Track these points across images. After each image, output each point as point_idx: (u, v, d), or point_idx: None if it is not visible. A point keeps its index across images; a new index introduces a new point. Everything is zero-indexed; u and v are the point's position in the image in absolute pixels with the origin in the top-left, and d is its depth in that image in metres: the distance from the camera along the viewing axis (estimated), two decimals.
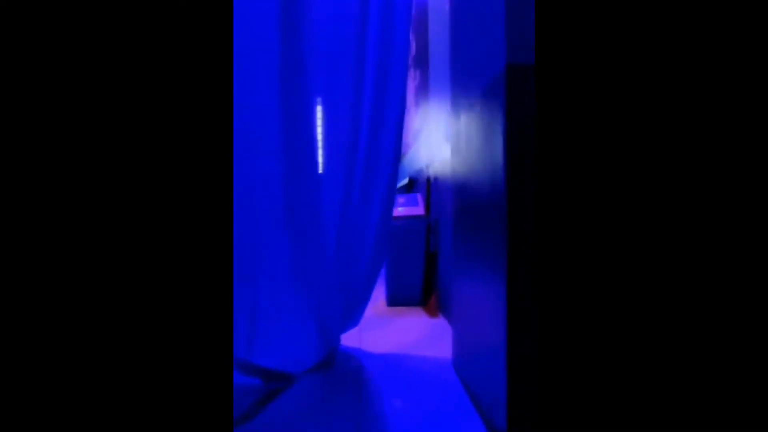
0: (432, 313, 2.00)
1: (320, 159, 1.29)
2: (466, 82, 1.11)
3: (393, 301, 2.14)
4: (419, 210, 2.10)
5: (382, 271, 2.70)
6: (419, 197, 2.20)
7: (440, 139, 2.04)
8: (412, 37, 2.92)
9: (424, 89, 2.68)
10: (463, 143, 1.15)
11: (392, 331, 1.73)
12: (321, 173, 1.26)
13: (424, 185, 2.41)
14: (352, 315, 1.42)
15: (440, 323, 1.85)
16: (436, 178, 2.12)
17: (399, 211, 2.13)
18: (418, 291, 2.14)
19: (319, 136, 1.30)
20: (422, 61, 2.69)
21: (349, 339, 1.58)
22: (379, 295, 2.43)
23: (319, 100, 1.29)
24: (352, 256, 1.35)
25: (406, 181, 3.06)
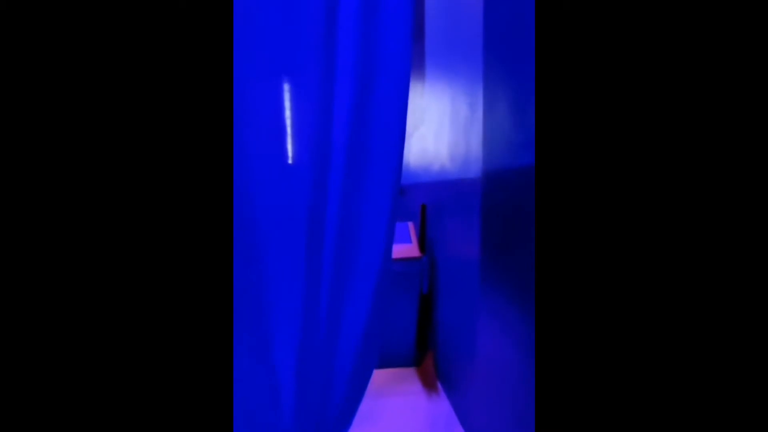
0: (428, 383, 1.55)
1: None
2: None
3: (380, 361, 1.67)
4: (413, 250, 1.59)
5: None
6: (411, 228, 1.67)
7: (443, 146, 1.49)
8: None
9: (418, 72, 2.08)
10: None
11: None
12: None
13: (415, 204, 1.88)
14: None
15: (443, 408, 1.39)
16: (435, 204, 1.60)
17: None
18: (411, 348, 1.67)
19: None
20: (415, 36, 2.07)
21: None
22: None
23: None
24: (321, 381, 0.85)
25: None
